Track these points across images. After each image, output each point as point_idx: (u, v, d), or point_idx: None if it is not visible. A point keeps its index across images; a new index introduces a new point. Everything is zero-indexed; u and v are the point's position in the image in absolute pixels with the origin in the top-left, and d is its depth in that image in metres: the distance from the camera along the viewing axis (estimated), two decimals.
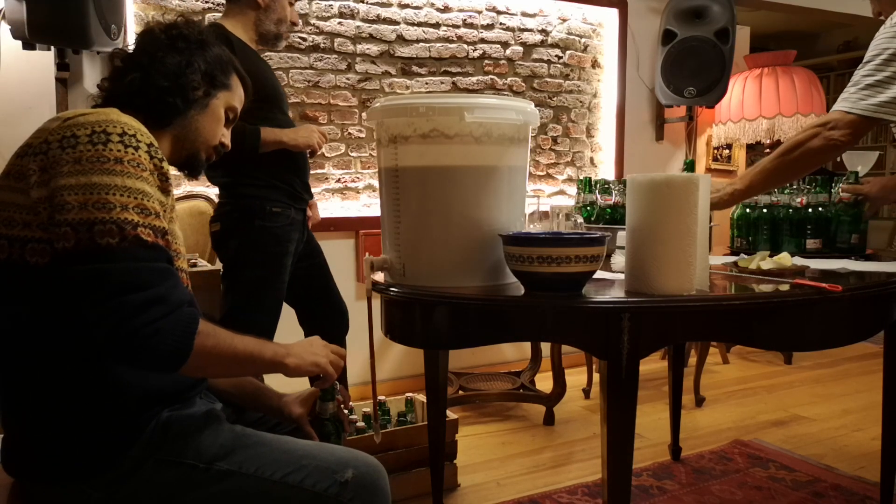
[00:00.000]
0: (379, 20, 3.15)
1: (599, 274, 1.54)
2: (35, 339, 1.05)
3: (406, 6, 3.21)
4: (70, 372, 1.06)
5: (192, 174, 1.32)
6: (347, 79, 3.11)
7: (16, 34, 2.18)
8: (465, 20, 3.36)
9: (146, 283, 0.99)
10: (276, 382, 1.44)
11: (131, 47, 1.25)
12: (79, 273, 0.98)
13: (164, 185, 1.10)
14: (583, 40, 3.73)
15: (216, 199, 2.29)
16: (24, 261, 1.02)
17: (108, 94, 1.22)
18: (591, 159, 3.86)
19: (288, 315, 2.95)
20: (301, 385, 1.46)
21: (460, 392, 3.09)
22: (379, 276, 1.55)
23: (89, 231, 0.98)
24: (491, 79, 3.45)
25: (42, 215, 1.01)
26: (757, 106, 3.96)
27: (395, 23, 3.19)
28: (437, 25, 3.29)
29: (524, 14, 3.53)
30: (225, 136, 1.33)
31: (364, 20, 3.12)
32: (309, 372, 1.19)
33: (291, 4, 2.25)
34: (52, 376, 1.06)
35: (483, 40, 3.37)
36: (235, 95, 1.33)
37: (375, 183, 3.18)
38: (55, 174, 1.00)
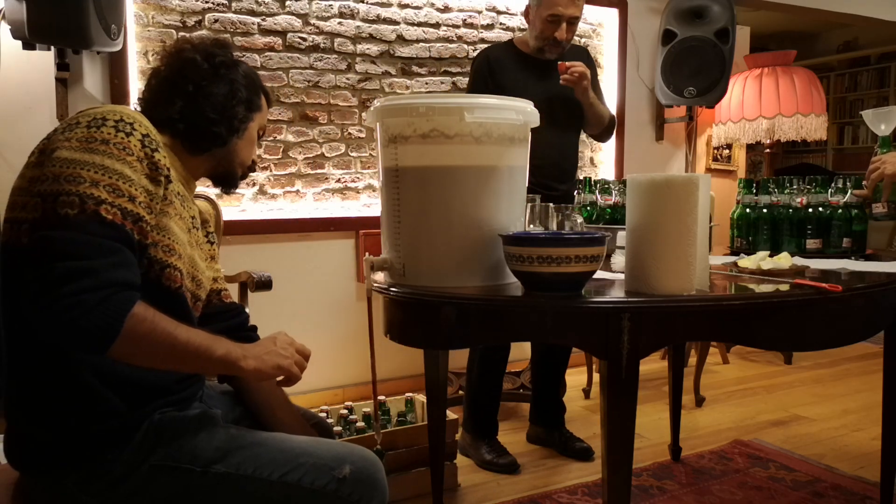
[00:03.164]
0: (379, 20, 3.15)
1: (599, 274, 1.54)
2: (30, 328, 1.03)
3: (406, 6, 3.21)
4: (60, 361, 1.05)
5: (227, 190, 1.38)
6: (347, 79, 3.11)
7: (16, 34, 2.18)
8: (465, 20, 3.36)
9: (80, 254, 0.95)
10: None
11: (170, 68, 1.24)
12: (30, 240, 0.98)
13: (154, 175, 1.09)
14: (583, 40, 3.73)
15: (216, 199, 2.29)
16: (21, 243, 1.01)
17: (149, 115, 1.21)
18: (591, 159, 3.86)
19: (291, 312, 2.96)
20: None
21: (460, 392, 3.09)
22: (379, 276, 1.55)
23: (54, 202, 0.99)
24: None
25: (34, 191, 1.02)
26: (757, 106, 3.96)
27: (395, 23, 3.19)
28: (437, 25, 3.29)
29: (524, 14, 3.52)
30: (256, 154, 1.38)
31: (364, 20, 3.12)
32: (271, 376, 1.12)
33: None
34: (46, 366, 1.06)
35: (483, 40, 3.37)
36: (265, 114, 1.37)
37: (375, 183, 3.18)
38: (48, 153, 1.04)
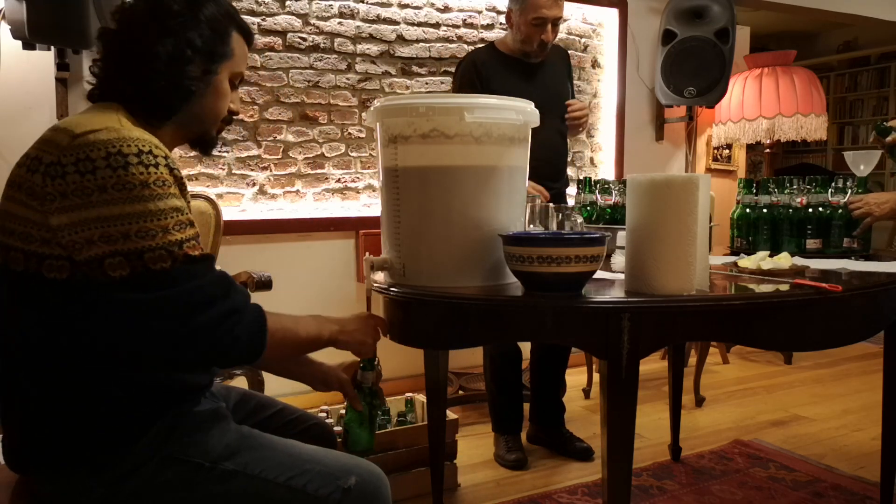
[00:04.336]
0: (379, 20, 3.15)
1: (599, 274, 1.53)
2: (46, 341, 1.05)
3: (406, 6, 3.21)
4: (79, 369, 1.06)
5: (204, 152, 1.29)
6: (347, 79, 3.11)
7: (16, 34, 2.18)
8: (465, 20, 3.36)
9: (213, 297, 1.04)
10: None
11: (114, 31, 1.15)
12: (146, 301, 1.01)
13: (184, 192, 1.11)
14: (583, 40, 3.73)
15: (216, 199, 2.29)
16: (40, 274, 1.03)
17: (102, 88, 1.16)
18: (591, 159, 3.86)
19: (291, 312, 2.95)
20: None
21: (460, 392, 3.09)
22: (379, 276, 1.55)
23: (140, 259, 1.00)
24: None
25: (66, 240, 1.00)
26: (757, 106, 3.96)
27: (395, 23, 3.19)
28: (437, 25, 3.29)
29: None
30: (234, 101, 1.26)
31: (364, 20, 3.12)
32: (353, 349, 1.32)
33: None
34: (61, 374, 1.06)
35: (483, 40, 3.37)
36: (239, 58, 1.23)
37: (375, 183, 3.18)
38: (81, 204, 0.99)
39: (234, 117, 1.29)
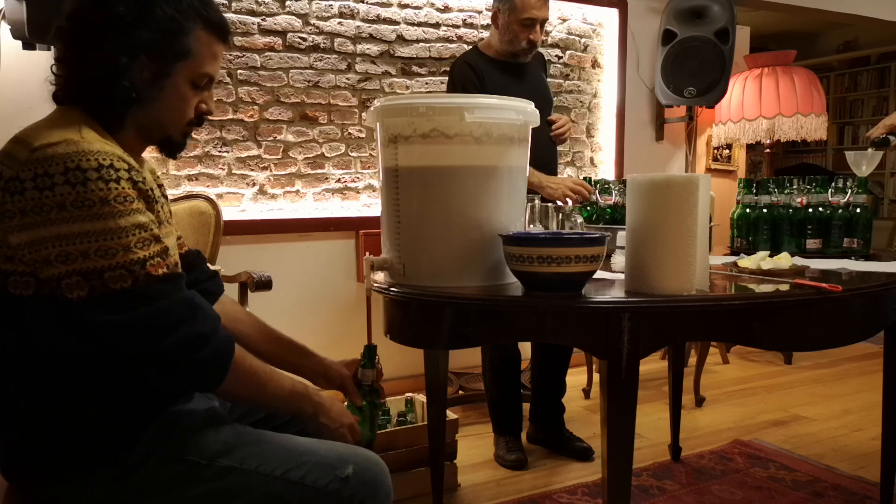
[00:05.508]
0: (379, 20, 3.15)
1: (599, 274, 1.54)
2: (24, 352, 1.05)
3: (406, 6, 3.21)
4: (64, 378, 1.06)
5: (170, 155, 1.21)
6: (347, 79, 3.11)
7: (16, 34, 2.18)
8: (465, 20, 3.36)
9: (176, 321, 1.02)
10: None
11: (66, 30, 1.09)
12: (107, 324, 0.99)
13: (149, 203, 1.08)
14: (583, 40, 3.73)
15: (216, 199, 2.29)
16: (6, 291, 1.02)
17: (63, 90, 1.11)
18: (591, 159, 3.86)
19: (291, 312, 2.96)
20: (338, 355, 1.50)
21: (460, 392, 3.09)
22: (379, 276, 1.55)
23: (100, 278, 0.98)
24: None
25: (27, 258, 0.99)
26: (757, 106, 3.96)
27: (395, 23, 3.19)
28: (437, 25, 3.29)
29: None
30: (206, 102, 1.18)
31: (364, 20, 3.11)
32: (331, 434, 1.23)
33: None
34: (47, 382, 1.06)
35: (483, 40, 3.37)
36: (203, 58, 1.13)
37: (375, 183, 3.18)
38: (40, 221, 0.97)
39: (208, 118, 1.21)
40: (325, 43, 3.04)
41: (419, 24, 3.24)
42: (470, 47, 2.78)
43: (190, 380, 1.07)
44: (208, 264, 1.43)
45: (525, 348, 3.21)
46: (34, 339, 1.04)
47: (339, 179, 3.13)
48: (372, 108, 1.49)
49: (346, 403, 1.39)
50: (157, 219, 1.10)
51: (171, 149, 1.20)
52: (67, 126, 1.03)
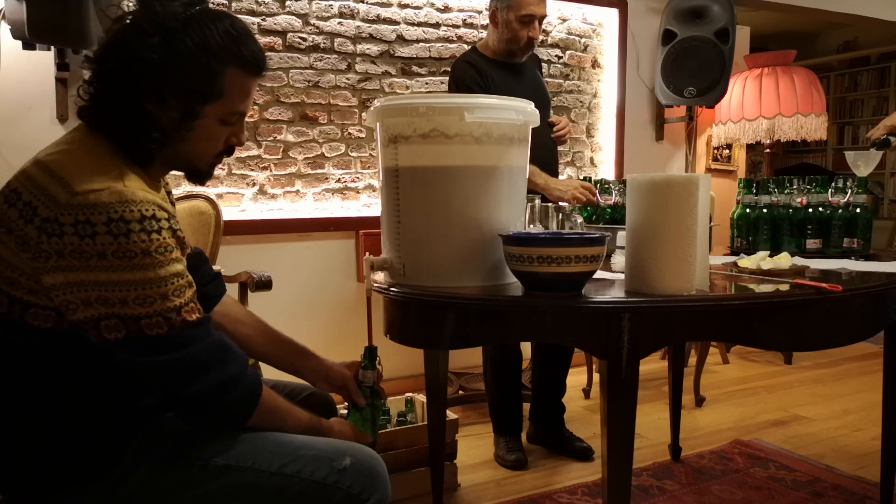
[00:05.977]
0: (379, 20, 3.15)
1: (599, 274, 1.54)
2: (24, 378, 1.06)
3: (406, 6, 3.21)
4: (63, 389, 1.06)
5: (198, 183, 1.21)
6: (347, 79, 3.11)
7: (16, 34, 2.18)
8: (465, 20, 3.36)
9: (208, 364, 1.05)
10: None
11: (99, 61, 1.08)
12: (141, 366, 1.02)
13: (183, 248, 1.09)
14: (583, 40, 3.73)
15: (215, 199, 2.29)
16: (23, 321, 1.02)
17: (92, 113, 1.10)
18: (591, 159, 3.85)
19: (291, 312, 2.96)
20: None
21: (460, 392, 3.09)
22: (379, 276, 1.55)
23: (137, 324, 1.00)
24: None
25: (59, 299, 1.00)
26: (757, 106, 3.96)
27: (395, 23, 3.19)
28: (437, 25, 3.29)
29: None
30: (236, 135, 1.17)
31: (364, 20, 3.11)
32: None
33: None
34: (44, 395, 1.06)
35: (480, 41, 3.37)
36: (236, 97, 1.12)
37: (375, 183, 3.18)
38: (79, 266, 0.98)
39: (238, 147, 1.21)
40: (325, 43, 3.04)
41: (419, 24, 3.24)
42: (469, 48, 2.78)
43: (216, 420, 1.10)
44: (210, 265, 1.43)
45: (525, 348, 3.21)
46: (36, 367, 1.05)
47: (339, 179, 3.13)
48: (372, 108, 1.49)
49: (347, 411, 1.40)
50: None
51: (198, 178, 1.20)
52: (107, 169, 1.03)
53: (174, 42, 1.04)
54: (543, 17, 2.44)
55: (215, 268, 2.27)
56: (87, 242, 0.97)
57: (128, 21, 1.07)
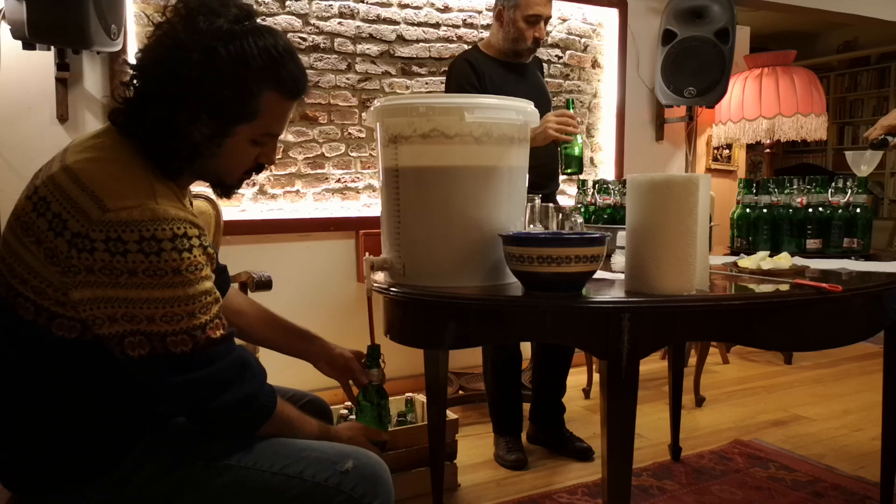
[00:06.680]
0: (379, 20, 3.15)
1: (599, 274, 1.54)
2: (41, 382, 1.06)
3: (406, 6, 3.21)
4: (71, 389, 1.07)
5: (224, 196, 1.21)
6: (347, 79, 3.11)
7: (16, 34, 2.18)
8: (465, 20, 3.36)
9: (229, 381, 1.06)
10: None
11: (143, 77, 1.08)
12: (162, 384, 1.03)
13: (212, 264, 1.09)
14: (583, 40, 3.73)
15: (215, 199, 2.29)
16: (48, 330, 1.03)
17: (124, 119, 1.09)
18: (591, 159, 3.85)
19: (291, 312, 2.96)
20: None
21: (460, 392, 3.10)
22: (379, 276, 1.55)
23: (162, 342, 1.00)
24: None
25: (86, 313, 1.00)
26: (757, 106, 3.96)
27: (395, 23, 3.19)
28: (437, 25, 3.29)
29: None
30: (266, 154, 1.17)
31: (364, 20, 3.11)
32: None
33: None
34: (51, 394, 1.07)
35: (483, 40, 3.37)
36: (271, 119, 1.11)
37: (375, 183, 3.18)
38: (108, 283, 0.98)
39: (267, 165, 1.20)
40: (325, 43, 3.04)
41: (419, 24, 3.24)
42: (468, 46, 2.78)
43: (229, 431, 1.12)
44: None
45: (526, 348, 3.21)
46: (60, 368, 1.05)
47: (339, 179, 3.13)
48: (372, 108, 1.49)
49: (354, 414, 1.41)
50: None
51: (225, 191, 1.20)
52: (138, 183, 1.02)
53: (213, 59, 1.03)
54: (549, 17, 2.45)
55: (221, 262, 2.28)
56: (119, 260, 0.97)
57: (170, 32, 1.06)
